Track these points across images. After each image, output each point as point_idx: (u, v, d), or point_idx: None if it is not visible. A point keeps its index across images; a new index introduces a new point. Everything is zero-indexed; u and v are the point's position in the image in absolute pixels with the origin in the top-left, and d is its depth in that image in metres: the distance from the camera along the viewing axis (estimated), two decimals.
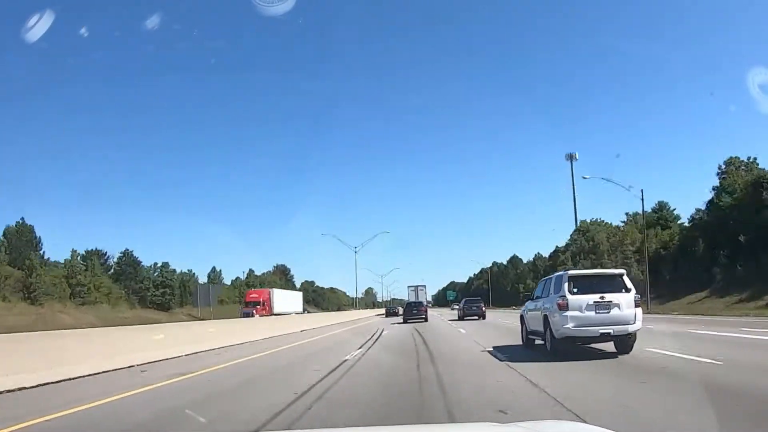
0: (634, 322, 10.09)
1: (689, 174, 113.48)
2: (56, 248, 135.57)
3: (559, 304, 10.13)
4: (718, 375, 7.86)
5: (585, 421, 4.87)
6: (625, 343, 10.43)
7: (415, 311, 35.39)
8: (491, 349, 12.89)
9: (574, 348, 10.52)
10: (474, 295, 51.61)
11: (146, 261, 78.62)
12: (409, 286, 77.56)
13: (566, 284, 10.23)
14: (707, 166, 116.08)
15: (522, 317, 13.48)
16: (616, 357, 10.22)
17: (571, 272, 10.84)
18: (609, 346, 10.73)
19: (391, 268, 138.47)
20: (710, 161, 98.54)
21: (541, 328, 11.29)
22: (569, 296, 10.06)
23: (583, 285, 10.29)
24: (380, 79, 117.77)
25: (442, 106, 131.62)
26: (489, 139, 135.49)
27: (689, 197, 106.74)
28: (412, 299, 54.53)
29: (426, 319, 34.01)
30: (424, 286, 75.66)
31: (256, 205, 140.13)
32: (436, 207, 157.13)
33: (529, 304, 12.83)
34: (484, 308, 37.18)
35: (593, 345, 10.93)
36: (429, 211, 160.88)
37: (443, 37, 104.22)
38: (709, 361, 9.11)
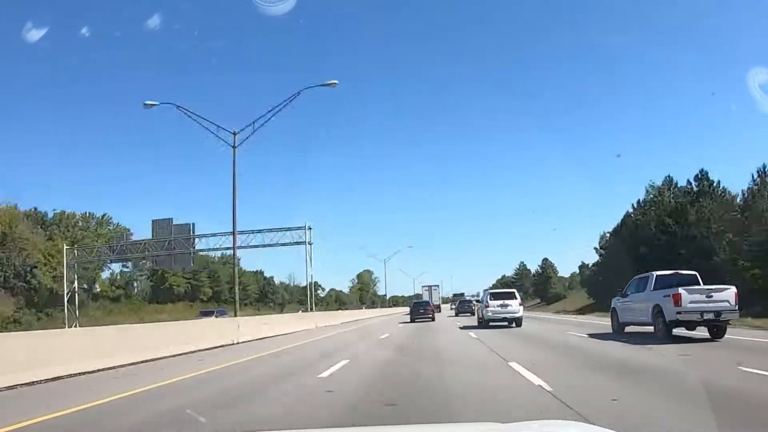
0: (518, 313, 23.38)
1: (689, 173, 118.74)
2: None
3: (486, 305, 23.61)
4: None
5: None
6: (517, 322, 23.60)
7: (422, 311, 37.43)
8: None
9: (494, 325, 23.81)
10: None
11: None
12: (423, 286, 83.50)
13: (488, 296, 23.77)
14: (707, 165, 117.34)
15: (476, 311, 27.07)
16: (512, 327, 23.43)
17: (491, 291, 24.42)
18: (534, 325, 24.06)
19: (396, 250, 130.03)
20: (710, 160, 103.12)
21: (482, 316, 24.73)
22: (490, 301, 23.52)
23: (496, 296, 23.79)
24: (381, 79, 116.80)
25: (443, 105, 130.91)
26: (492, 136, 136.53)
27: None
28: (426, 298, 60.14)
29: (433, 319, 36.68)
30: (438, 286, 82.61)
31: (256, 205, 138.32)
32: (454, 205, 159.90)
33: (480, 305, 26.37)
34: (474, 307, 50.40)
35: (504, 322, 24.16)
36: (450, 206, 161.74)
37: (445, 38, 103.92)
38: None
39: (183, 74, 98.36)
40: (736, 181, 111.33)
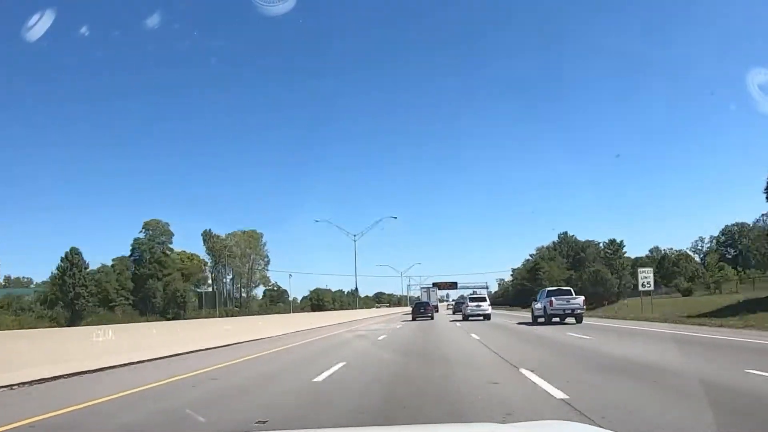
0: (488, 311, 36.73)
1: (686, 173, 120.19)
2: None
3: (466, 305, 37.10)
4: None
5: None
6: (487, 317, 36.90)
7: (422, 310, 42.68)
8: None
9: (472, 319, 37.04)
10: None
11: None
12: (421, 288, 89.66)
13: (468, 299, 37.23)
14: (706, 163, 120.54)
15: (461, 310, 40.44)
16: (485, 320, 36.56)
17: (470, 296, 37.90)
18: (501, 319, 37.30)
19: (412, 263, 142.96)
20: (710, 159, 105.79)
21: (464, 312, 38.05)
22: (469, 303, 36.99)
23: (473, 299, 37.34)
24: (381, 79, 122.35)
25: (443, 104, 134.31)
26: (492, 137, 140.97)
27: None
28: (425, 299, 66.21)
29: (432, 317, 41.98)
30: (436, 288, 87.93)
31: (256, 206, 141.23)
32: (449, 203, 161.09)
33: (463, 305, 39.71)
34: None
35: (477, 317, 37.34)
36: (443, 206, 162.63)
37: (445, 37, 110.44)
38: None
39: (183, 74, 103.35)
40: (734, 179, 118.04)
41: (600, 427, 2.80)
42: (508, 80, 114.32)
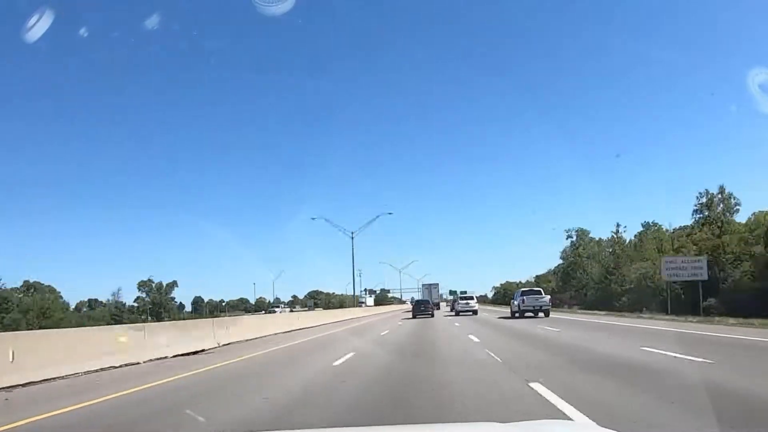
0: (475, 307, 43.02)
1: (687, 173, 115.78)
2: None
3: (457, 302, 43.59)
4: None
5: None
6: (475, 312, 42.99)
7: (422, 308, 43.19)
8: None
9: (462, 315, 43.22)
10: None
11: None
12: (423, 285, 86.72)
13: (458, 297, 43.76)
14: (705, 164, 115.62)
15: (454, 307, 46.78)
16: (473, 315, 42.69)
17: (460, 296, 44.45)
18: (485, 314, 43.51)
19: (410, 260, 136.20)
20: (711, 161, 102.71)
21: (457, 309, 44.35)
22: (459, 301, 43.44)
23: (462, 298, 43.86)
24: (381, 79, 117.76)
25: (444, 104, 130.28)
26: (493, 137, 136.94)
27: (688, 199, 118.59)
28: (426, 296, 65.25)
29: (432, 315, 41.80)
30: (437, 285, 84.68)
31: (255, 207, 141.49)
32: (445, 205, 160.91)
33: (455, 303, 46.03)
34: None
35: (467, 313, 43.53)
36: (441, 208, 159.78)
37: (445, 37, 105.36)
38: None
39: (182, 74, 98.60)
40: (735, 180, 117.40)
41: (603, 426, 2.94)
42: (519, 83, 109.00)
